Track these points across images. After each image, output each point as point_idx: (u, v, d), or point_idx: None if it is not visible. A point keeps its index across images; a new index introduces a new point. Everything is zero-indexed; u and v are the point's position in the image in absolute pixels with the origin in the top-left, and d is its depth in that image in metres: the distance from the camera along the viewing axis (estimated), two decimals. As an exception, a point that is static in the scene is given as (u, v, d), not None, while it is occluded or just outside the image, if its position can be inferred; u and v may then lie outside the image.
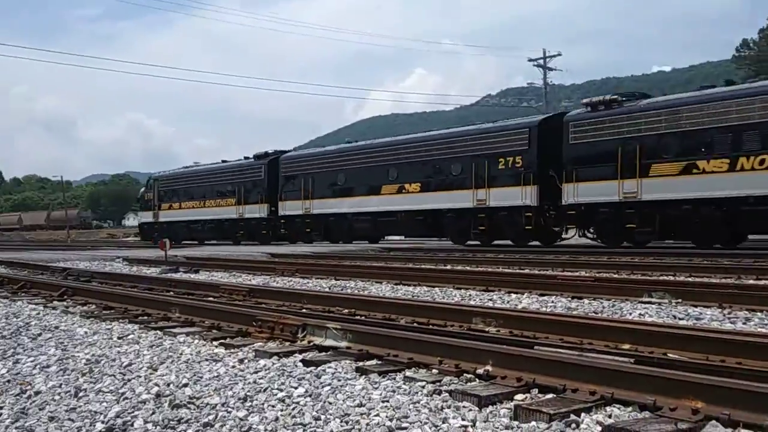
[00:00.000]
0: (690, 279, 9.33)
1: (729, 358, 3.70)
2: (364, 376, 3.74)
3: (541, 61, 46.28)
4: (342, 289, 9.18)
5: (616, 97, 18.89)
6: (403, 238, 27.92)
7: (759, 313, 5.96)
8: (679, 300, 6.86)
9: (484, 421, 2.92)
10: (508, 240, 21.39)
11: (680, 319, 5.94)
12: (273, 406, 3.23)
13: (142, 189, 39.76)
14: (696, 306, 6.54)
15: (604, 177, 18.12)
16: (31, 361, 4.49)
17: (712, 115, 16.36)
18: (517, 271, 11.48)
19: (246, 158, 31.06)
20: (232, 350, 4.62)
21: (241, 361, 4.28)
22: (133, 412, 3.20)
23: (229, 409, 3.20)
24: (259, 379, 3.76)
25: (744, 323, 5.61)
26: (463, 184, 21.57)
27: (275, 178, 28.35)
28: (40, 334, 5.57)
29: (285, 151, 29.85)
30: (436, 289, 8.80)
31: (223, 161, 34.15)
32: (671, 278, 9.56)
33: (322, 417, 3.04)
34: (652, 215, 17.42)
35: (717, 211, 16.36)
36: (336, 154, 27.20)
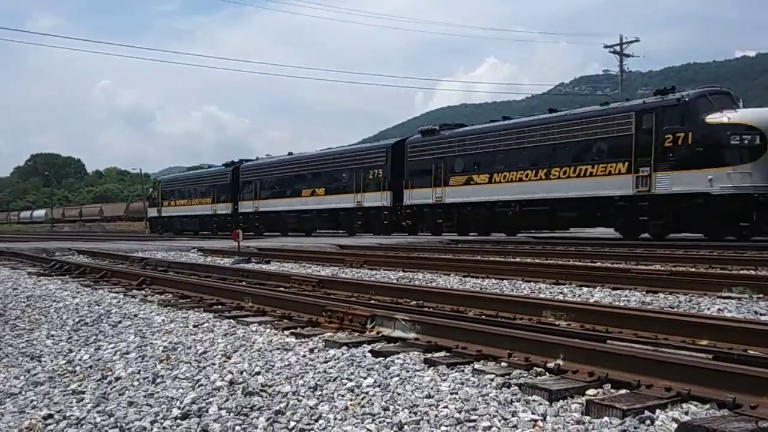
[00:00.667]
0: (773, 273, 8.93)
1: (816, 356, 3.53)
2: (432, 368, 3.74)
3: (618, 48, 44.88)
4: (410, 281, 9.20)
5: (436, 127, 26.74)
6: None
7: None
8: (761, 295, 6.58)
9: (555, 416, 2.87)
10: (377, 232, 27.69)
11: (762, 315, 5.70)
12: (342, 396, 3.27)
13: (151, 189, 49.49)
14: (780, 301, 6.26)
15: (425, 186, 25.59)
16: (112, 348, 4.69)
17: (481, 143, 24.01)
18: (589, 264, 11.23)
19: (225, 165, 39.42)
20: (303, 340, 4.70)
21: (311, 350, 4.34)
22: (207, 398, 3.30)
23: (300, 398, 3.26)
24: (329, 368, 3.81)
25: (832, 320, 5.34)
26: (349, 189, 29.10)
27: (237, 182, 36.40)
28: (120, 322, 5.81)
29: (247, 160, 38.08)
30: (505, 281, 8.71)
31: (209, 166, 42.94)
32: (752, 272, 9.17)
33: (391, 407, 3.06)
34: (452, 213, 24.82)
35: (486, 211, 23.59)
36: (275, 163, 35.07)
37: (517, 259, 12.67)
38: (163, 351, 4.48)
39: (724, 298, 6.64)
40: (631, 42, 45.01)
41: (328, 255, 14.13)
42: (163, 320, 5.79)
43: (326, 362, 3.97)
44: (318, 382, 3.50)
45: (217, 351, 4.40)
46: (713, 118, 17.74)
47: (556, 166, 20.92)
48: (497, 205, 22.90)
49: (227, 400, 3.25)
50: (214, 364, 4.05)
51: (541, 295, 7.18)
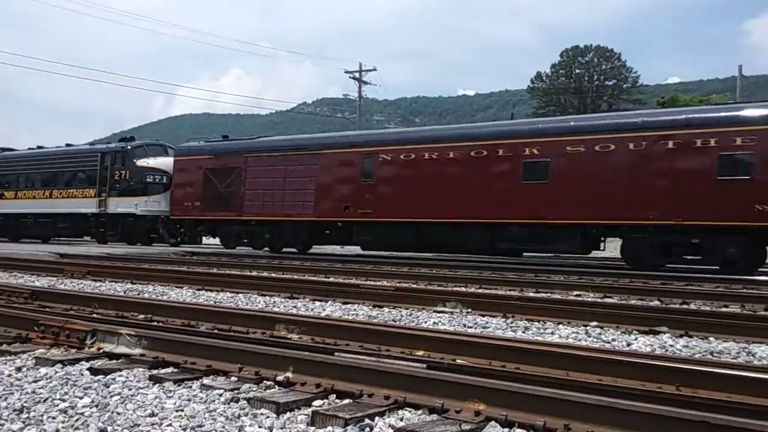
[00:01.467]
0: (480, 290, 10.02)
1: (509, 363, 4.03)
2: (158, 385, 3.58)
3: (357, 74, 47.43)
4: (139, 294, 8.73)
5: None
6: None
7: (536, 323, 6.55)
8: (470, 310, 7.33)
9: (281, 428, 2.92)
10: None
11: (469, 327, 6.36)
12: (54, 418, 2.99)
13: None
14: (484, 315, 7.04)
15: None
16: None
17: (12, 166, 29.82)
18: (323, 279, 11.63)
19: None
20: (9, 357, 4.21)
21: (18, 369, 3.91)
22: None
23: (2, 422, 2.91)
24: (39, 388, 3.46)
25: (523, 331, 6.14)
26: None
27: None
28: None
29: None
30: (240, 295, 8.66)
31: None
32: (463, 289, 10.20)
33: (109, 428, 2.86)
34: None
35: (13, 221, 29.00)
36: None
37: (254, 273, 12.68)
38: None
39: (439, 312, 7.30)
40: (370, 70, 48.05)
41: (45, 264, 12.84)
42: None
43: (36, 382, 3.60)
44: (25, 404, 3.15)
45: None
46: (141, 162, 25.25)
47: (56, 189, 27.74)
48: (20, 216, 28.87)
49: None
50: None
51: (276, 309, 7.26)
